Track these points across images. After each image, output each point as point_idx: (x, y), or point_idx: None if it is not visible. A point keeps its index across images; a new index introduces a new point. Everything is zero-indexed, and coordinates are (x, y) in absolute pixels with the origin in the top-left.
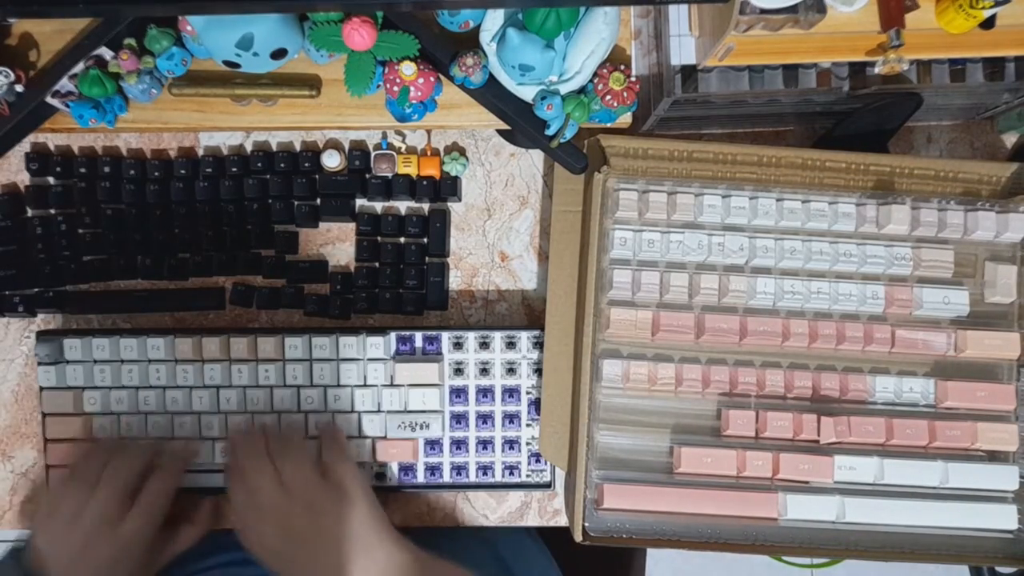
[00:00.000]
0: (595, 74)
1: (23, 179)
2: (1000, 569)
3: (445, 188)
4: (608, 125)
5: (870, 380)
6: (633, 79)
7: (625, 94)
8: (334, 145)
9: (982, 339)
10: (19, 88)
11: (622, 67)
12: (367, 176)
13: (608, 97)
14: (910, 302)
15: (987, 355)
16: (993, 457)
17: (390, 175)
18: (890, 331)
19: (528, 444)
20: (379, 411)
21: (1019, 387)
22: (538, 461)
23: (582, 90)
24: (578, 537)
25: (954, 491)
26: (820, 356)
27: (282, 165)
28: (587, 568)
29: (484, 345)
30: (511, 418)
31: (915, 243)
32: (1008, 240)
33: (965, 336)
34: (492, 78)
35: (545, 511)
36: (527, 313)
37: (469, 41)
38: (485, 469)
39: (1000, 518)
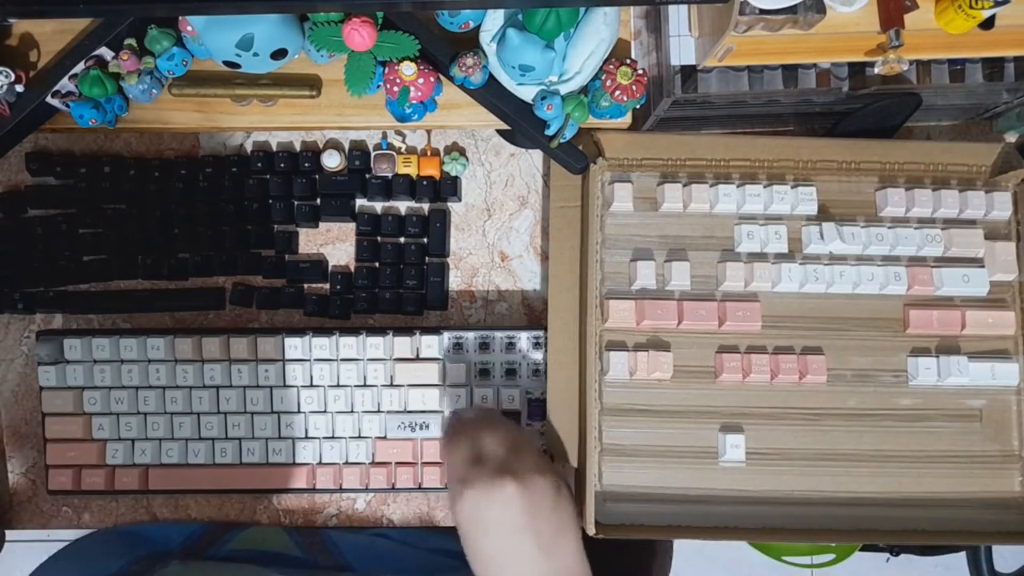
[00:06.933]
0: (602, 71)
1: (24, 179)
2: (999, 569)
3: (445, 188)
4: (609, 122)
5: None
6: (640, 71)
7: (634, 87)
8: (334, 145)
9: (986, 318)
10: (19, 88)
11: (628, 60)
12: (367, 176)
13: (617, 92)
14: (930, 282)
15: (988, 333)
16: (998, 430)
17: (390, 175)
18: (903, 311)
19: None
20: (379, 411)
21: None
22: None
23: (583, 90)
24: (591, 530)
25: (959, 455)
26: (829, 338)
27: (282, 165)
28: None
29: (484, 346)
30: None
31: (916, 224)
32: (997, 218)
33: (966, 315)
34: (492, 78)
35: None
36: (527, 313)
37: (469, 41)
38: None
39: (1004, 483)
